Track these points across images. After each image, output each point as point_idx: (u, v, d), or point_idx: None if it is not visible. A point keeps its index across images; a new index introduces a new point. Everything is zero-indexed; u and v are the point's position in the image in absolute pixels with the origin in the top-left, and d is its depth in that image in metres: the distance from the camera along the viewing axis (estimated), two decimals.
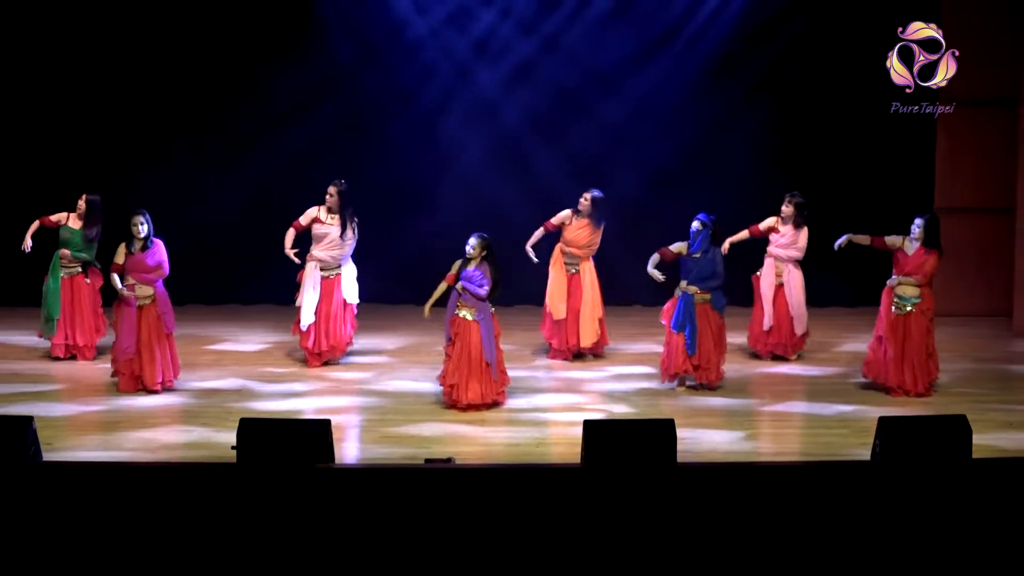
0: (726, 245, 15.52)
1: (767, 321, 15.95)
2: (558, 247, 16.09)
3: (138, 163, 18.58)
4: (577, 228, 15.95)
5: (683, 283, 14.52)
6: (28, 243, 15.85)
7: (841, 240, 14.72)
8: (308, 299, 15.55)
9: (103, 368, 15.12)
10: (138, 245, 14.31)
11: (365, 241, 16.21)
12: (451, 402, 13.85)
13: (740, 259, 16.27)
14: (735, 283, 16.19)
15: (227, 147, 18.64)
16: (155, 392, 14.25)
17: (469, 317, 13.84)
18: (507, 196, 18.52)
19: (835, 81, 18.51)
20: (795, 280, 15.92)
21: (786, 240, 15.89)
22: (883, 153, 18.65)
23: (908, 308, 14.36)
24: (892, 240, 14.52)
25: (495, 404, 13.89)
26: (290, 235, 15.62)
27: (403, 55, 18.71)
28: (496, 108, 18.81)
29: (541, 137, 18.77)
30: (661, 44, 18.62)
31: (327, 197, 15.63)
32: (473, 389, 13.77)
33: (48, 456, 11.06)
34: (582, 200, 15.92)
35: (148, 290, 14.35)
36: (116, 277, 14.36)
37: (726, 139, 18.74)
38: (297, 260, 15.60)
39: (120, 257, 14.35)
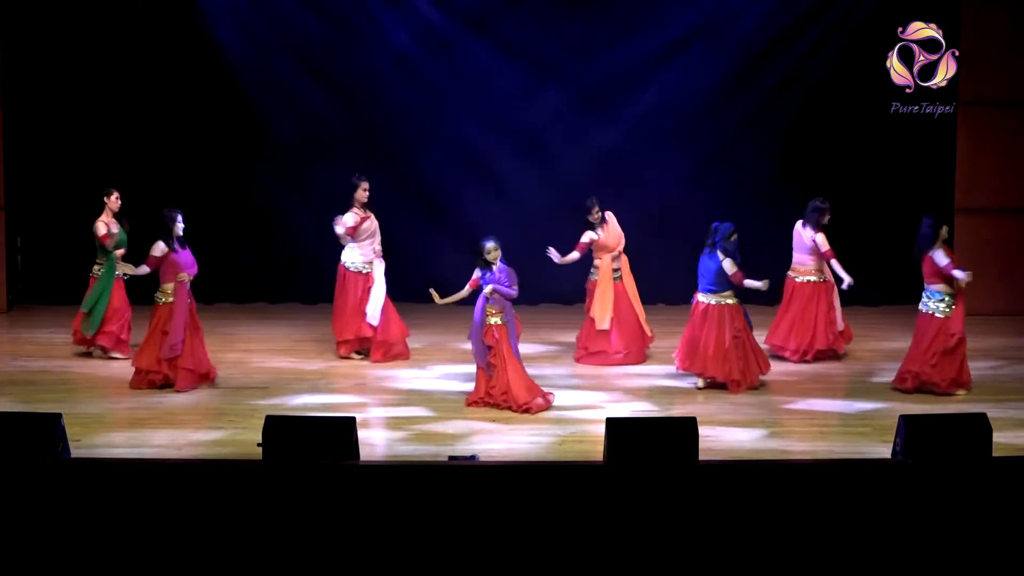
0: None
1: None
2: (604, 258, 16.09)
3: (167, 164, 18.65)
4: (605, 235, 15.98)
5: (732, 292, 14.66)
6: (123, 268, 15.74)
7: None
8: (376, 297, 15.84)
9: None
10: (178, 243, 14.49)
11: (389, 241, 16.33)
12: (513, 406, 13.83)
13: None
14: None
15: (255, 149, 18.70)
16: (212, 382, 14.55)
17: (500, 322, 13.91)
18: (531, 196, 18.59)
19: (853, 84, 18.48)
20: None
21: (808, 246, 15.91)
22: (902, 156, 18.62)
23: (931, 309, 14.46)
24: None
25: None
26: (350, 237, 15.88)
27: (428, 57, 18.74)
28: (520, 109, 18.83)
29: (564, 137, 18.80)
30: (681, 47, 18.62)
31: (362, 193, 15.75)
32: (522, 389, 13.83)
33: (76, 453, 11.18)
34: (594, 215, 15.90)
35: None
36: (145, 268, 14.55)
37: (744, 142, 18.72)
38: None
39: (158, 252, 14.46)
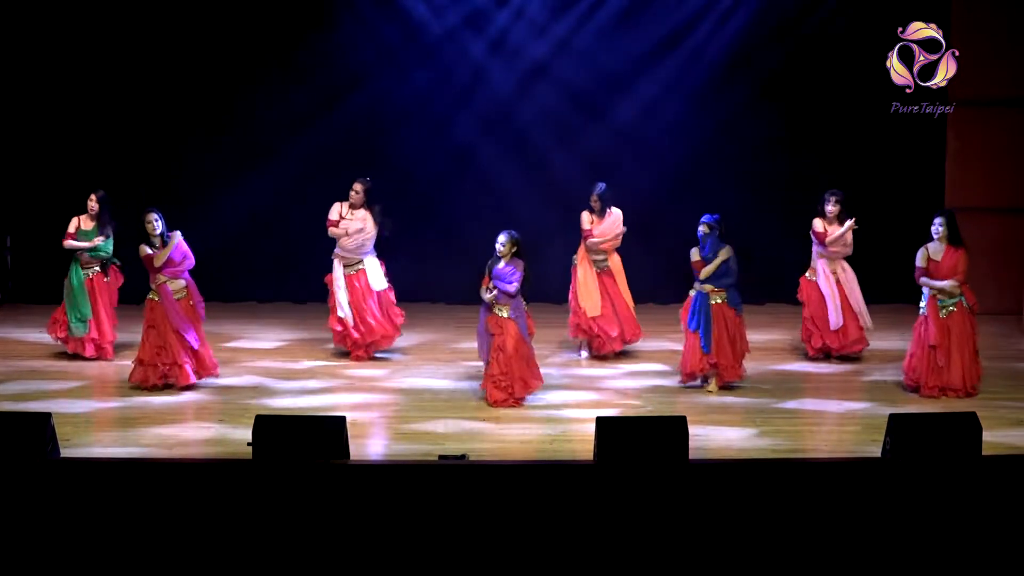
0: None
1: (834, 320, 15.90)
2: (583, 247, 16.17)
3: (156, 162, 18.66)
4: (600, 225, 16.08)
5: (697, 283, 14.57)
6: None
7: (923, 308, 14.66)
8: (339, 297, 15.76)
9: (121, 365, 15.21)
10: (156, 242, 14.44)
11: (383, 241, 16.34)
12: (503, 401, 13.88)
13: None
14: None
15: (245, 147, 18.69)
16: (191, 387, 14.41)
17: (504, 314, 13.92)
18: (522, 196, 18.58)
19: (844, 81, 18.51)
20: (852, 275, 15.94)
21: (836, 239, 15.94)
22: (893, 154, 18.65)
23: (950, 309, 14.39)
24: (921, 253, 14.48)
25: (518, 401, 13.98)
26: (334, 231, 15.78)
27: (418, 57, 18.75)
28: (511, 109, 18.85)
29: (555, 137, 18.81)
30: (671, 45, 18.64)
31: (352, 194, 15.75)
32: (520, 383, 13.86)
33: (66, 453, 11.17)
34: (593, 201, 16.02)
35: (180, 283, 14.54)
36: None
37: (736, 139, 18.74)
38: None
39: (145, 252, 14.47)
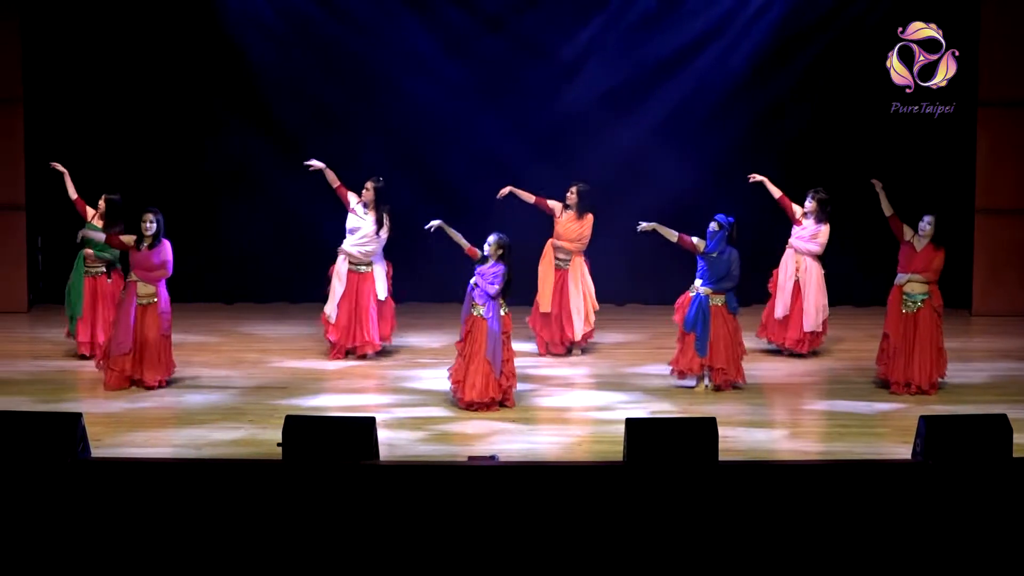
0: (755, 176, 15.67)
1: (780, 311, 15.95)
2: (549, 243, 16.26)
3: (191, 163, 18.70)
4: (567, 222, 16.18)
5: (697, 283, 14.56)
6: (59, 166, 16.10)
7: (878, 185, 14.80)
8: (334, 291, 15.83)
9: None
10: (146, 243, 14.47)
11: (409, 241, 16.34)
12: (457, 398, 13.91)
13: (759, 258, 16.32)
14: (754, 283, 16.22)
15: (279, 146, 18.71)
16: (152, 388, 14.36)
17: (479, 314, 13.94)
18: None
19: (869, 84, 18.44)
20: (812, 276, 15.93)
21: (807, 234, 15.92)
22: (902, 155, 18.53)
23: (918, 305, 14.40)
24: (907, 230, 14.55)
25: (500, 404, 13.89)
26: (331, 175, 16.03)
27: (441, 57, 18.76)
28: (535, 110, 18.85)
29: (584, 138, 18.78)
30: (698, 48, 18.63)
31: (363, 192, 15.83)
32: (477, 386, 13.82)
33: (97, 452, 11.21)
34: (569, 194, 16.14)
35: (151, 288, 14.49)
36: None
37: (760, 142, 18.68)
38: (317, 164, 15.99)
39: (127, 240, 14.58)
